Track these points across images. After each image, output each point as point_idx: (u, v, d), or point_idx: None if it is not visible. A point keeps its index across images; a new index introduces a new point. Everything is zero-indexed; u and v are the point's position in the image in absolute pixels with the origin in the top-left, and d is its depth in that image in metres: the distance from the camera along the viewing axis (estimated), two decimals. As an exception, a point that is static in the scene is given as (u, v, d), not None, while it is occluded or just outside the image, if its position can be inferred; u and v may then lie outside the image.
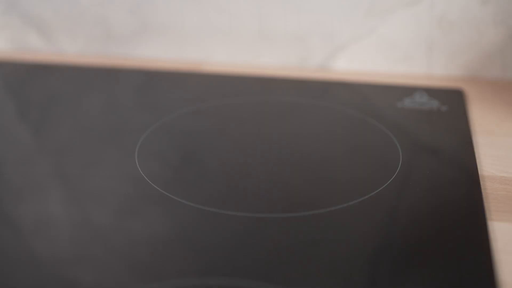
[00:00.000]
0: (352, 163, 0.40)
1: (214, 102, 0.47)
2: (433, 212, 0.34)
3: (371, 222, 0.33)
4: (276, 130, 0.44)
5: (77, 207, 0.35)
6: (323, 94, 0.49)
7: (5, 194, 0.36)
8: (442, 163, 0.39)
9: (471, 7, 0.49)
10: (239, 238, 0.32)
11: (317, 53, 0.52)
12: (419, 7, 0.50)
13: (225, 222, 0.33)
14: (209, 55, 0.54)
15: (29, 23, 0.56)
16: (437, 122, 0.43)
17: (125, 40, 0.55)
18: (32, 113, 0.48)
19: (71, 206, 0.35)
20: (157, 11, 0.53)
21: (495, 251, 0.30)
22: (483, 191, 0.35)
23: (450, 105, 0.45)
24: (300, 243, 0.32)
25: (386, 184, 0.36)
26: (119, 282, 0.29)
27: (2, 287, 0.28)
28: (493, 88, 0.49)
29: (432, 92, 0.47)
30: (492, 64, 0.50)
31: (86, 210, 0.35)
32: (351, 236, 0.32)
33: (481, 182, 0.36)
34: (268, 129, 0.45)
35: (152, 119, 0.44)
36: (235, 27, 0.53)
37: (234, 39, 0.53)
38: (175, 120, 0.44)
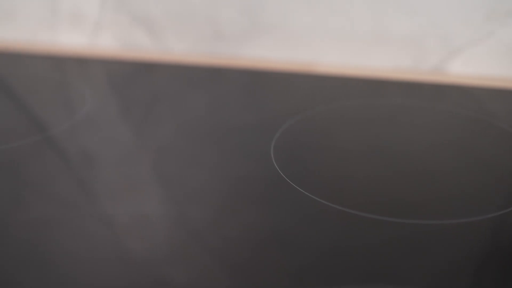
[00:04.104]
0: (480, 172, 0.38)
1: (331, 105, 0.47)
2: None
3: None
4: (392, 133, 0.44)
5: (211, 204, 0.35)
6: (438, 97, 0.48)
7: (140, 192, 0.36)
8: None
9: None
10: (353, 237, 0.31)
11: (432, 55, 0.52)
12: (541, 10, 0.48)
13: (345, 221, 0.33)
14: (319, 56, 0.54)
15: (138, 22, 0.57)
16: None
17: (234, 39, 0.55)
18: (138, 111, 0.48)
19: (202, 204, 0.35)
20: (267, 10, 0.53)
21: None
22: None
23: None
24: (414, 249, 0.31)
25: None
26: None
27: (97, 285, 0.28)
28: None
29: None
30: None
31: (222, 206, 0.34)
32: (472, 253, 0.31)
33: None
34: (383, 132, 0.44)
35: (273, 120, 0.44)
36: (348, 28, 0.52)
37: (347, 40, 0.53)
38: (299, 121, 0.44)
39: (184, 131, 0.44)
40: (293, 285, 0.28)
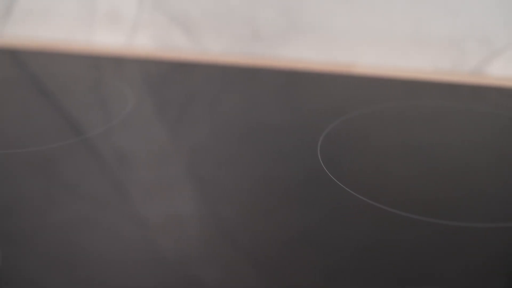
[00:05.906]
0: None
1: (371, 106, 0.47)
2: None
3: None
4: (431, 134, 0.43)
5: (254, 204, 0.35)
6: (477, 99, 0.48)
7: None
8: None
9: None
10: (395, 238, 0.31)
11: (472, 57, 0.51)
12: None
13: (393, 221, 0.33)
14: (358, 57, 0.54)
15: (175, 22, 0.57)
16: None
17: (272, 40, 0.55)
18: (175, 111, 0.48)
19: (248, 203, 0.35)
20: (307, 11, 0.53)
21: None
22: None
23: None
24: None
25: None
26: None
27: (131, 285, 0.29)
28: None
29: None
30: None
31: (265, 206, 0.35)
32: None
33: None
34: (422, 133, 0.44)
35: (315, 121, 0.44)
36: (387, 29, 0.52)
37: (386, 41, 0.53)
38: (343, 122, 0.44)
39: (224, 131, 0.44)
40: (328, 284, 0.28)
